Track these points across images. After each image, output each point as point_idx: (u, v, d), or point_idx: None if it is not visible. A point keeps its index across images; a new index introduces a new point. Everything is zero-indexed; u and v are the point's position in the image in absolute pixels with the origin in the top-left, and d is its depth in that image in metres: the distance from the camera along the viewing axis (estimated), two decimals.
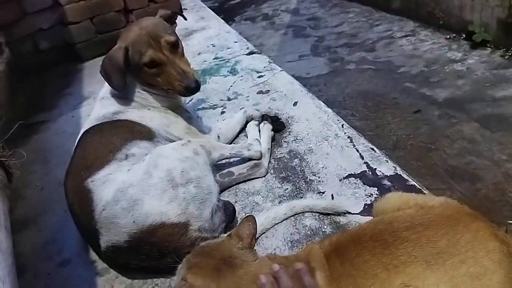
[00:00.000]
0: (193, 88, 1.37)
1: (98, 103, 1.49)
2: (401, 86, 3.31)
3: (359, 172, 1.36)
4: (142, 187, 1.12)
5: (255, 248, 0.86)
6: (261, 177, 1.44)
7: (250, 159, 1.45)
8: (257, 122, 1.64)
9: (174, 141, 1.44)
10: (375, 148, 1.46)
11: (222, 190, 1.43)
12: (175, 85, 1.38)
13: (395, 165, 1.37)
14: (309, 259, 0.81)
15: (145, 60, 1.35)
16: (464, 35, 3.65)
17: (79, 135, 1.40)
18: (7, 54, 2.76)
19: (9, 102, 2.46)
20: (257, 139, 1.51)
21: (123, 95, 1.46)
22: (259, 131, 1.60)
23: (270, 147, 1.54)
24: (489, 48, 3.43)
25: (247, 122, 1.68)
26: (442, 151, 2.53)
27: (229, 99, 2.01)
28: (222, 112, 1.90)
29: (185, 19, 1.71)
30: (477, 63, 3.33)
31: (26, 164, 1.89)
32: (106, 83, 1.50)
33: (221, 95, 2.07)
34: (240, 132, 1.67)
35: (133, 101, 1.46)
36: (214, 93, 2.11)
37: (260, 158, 1.44)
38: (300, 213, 1.25)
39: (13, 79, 2.71)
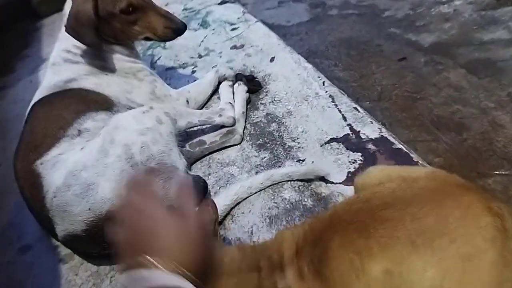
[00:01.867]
0: (182, 29, 1.32)
1: (49, 70, 1.32)
2: (386, 32, 3.14)
3: (341, 135, 1.25)
4: (97, 168, 0.99)
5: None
6: (236, 145, 1.33)
7: (222, 126, 1.32)
8: (230, 83, 1.50)
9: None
10: (358, 108, 1.34)
11: (193, 161, 1.32)
12: (160, 30, 1.29)
13: (380, 127, 1.26)
14: (281, 250, 0.71)
15: (122, 6, 1.20)
16: None
17: (28, 108, 1.24)
18: None
19: None
20: (230, 102, 1.37)
21: (77, 59, 1.28)
22: (233, 92, 1.46)
23: (245, 110, 1.41)
24: None
25: (219, 83, 1.53)
26: (428, 101, 2.42)
27: (200, 56, 1.83)
28: (193, 72, 1.74)
29: None
30: (464, 4, 3.16)
31: None
32: (56, 46, 1.32)
33: (191, 51, 1.89)
34: (212, 94, 1.52)
35: (88, 65, 1.29)
36: (183, 49, 1.92)
37: (233, 125, 1.31)
38: (279, 182, 1.15)
39: None
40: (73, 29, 1.22)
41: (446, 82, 2.56)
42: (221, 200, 1.12)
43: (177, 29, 1.30)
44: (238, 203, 1.14)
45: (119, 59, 1.33)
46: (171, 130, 1.13)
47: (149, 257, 0.43)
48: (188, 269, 0.44)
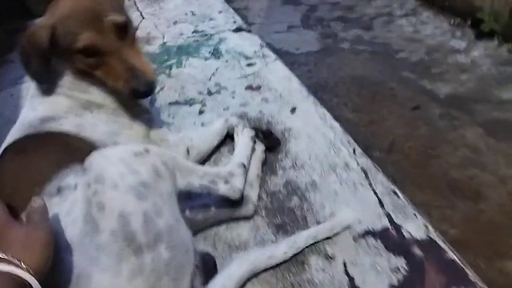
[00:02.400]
0: (143, 92, 0.98)
1: (27, 102, 1.06)
2: (399, 75, 2.99)
3: (379, 228, 1.03)
4: (87, 251, 0.73)
5: None
6: (248, 217, 1.09)
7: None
8: (253, 133, 1.26)
9: None
10: (397, 192, 1.13)
11: (194, 232, 1.07)
12: (119, 85, 0.98)
13: (426, 223, 1.04)
14: None
15: (78, 46, 0.94)
16: (470, 22, 3.32)
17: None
18: None
19: None
20: (244, 165, 1.11)
21: (53, 90, 1.04)
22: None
23: (260, 173, 1.18)
24: (496, 40, 3.14)
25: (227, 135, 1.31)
26: (443, 160, 2.25)
27: (210, 93, 1.60)
28: (201, 112, 1.50)
29: None
30: (482, 57, 3.04)
31: None
32: None
33: (200, 85, 1.65)
34: (217, 147, 1.30)
35: (69, 99, 1.04)
36: (191, 81, 1.69)
37: (237, 199, 1.06)
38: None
39: None
40: (21, 54, 1.00)
41: (462, 141, 2.39)
42: (234, 269, 0.91)
43: (134, 90, 0.97)
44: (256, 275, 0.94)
45: (106, 91, 1.07)
46: (171, 190, 0.86)
47: None
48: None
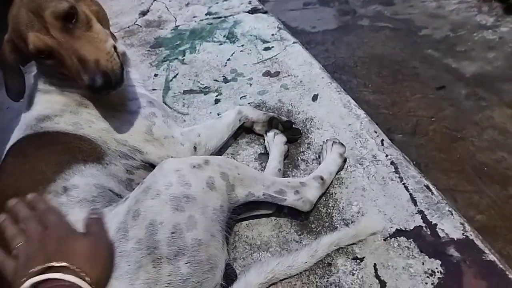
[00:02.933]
0: (98, 87, 0.83)
1: (25, 102, 1.02)
2: (423, 53, 2.85)
3: (411, 227, 0.96)
4: None
5: None
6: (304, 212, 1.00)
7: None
8: (285, 139, 1.18)
9: (130, 156, 0.99)
10: (431, 186, 1.05)
11: None
12: (80, 82, 0.88)
13: (463, 221, 0.96)
14: None
15: (31, 50, 0.86)
16: None
17: (4, 154, 0.95)
18: None
19: None
20: (321, 177, 1.01)
21: (47, 87, 0.99)
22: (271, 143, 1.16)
23: (282, 167, 1.11)
24: None
25: (246, 128, 1.24)
26: (470, 142, 2.15)
27: (225, 81, 1.52)
28: (216, 101, 1.43)
29: None
30: (511, 32, 2.87)
31: None
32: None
33: (215, 72, 1.57)
34: (232, 140, 1.22)
35: (62, 95, 0.98)
36: (205, 67, 1.61)
37: (308, 210, 0.98)
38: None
39: None
40: (2, 73, 0.96)
41: (489, 122, 2.28)
42: (253, 278, 0.86)
43: (89, 86, 0.84)
44: (274, 283, 0.89)
45: None
46: (222, 204, 0.83)
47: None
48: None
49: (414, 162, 2.11)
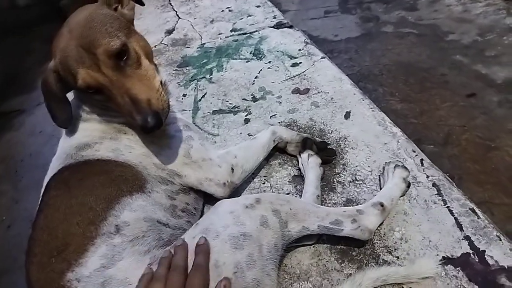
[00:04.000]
0: (149, 127, 0.83)
1: (64, 131, 1.03)
2: (450, 59, 2.77)
3: (459, 255, 0.91)
4: None
5: None
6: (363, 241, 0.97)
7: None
8: (320, 161, 1.16)
9: (169, 180, 0.98)
10: (476, 209, 1.00)
11: None
12: (129, 120, 0.88)
13: None
14: None
15: (80, 85, 0.86)
16: None
17: (44, 184, 0.95)
18: None
19: None
20: (381, 203, 0.97)
21: (85, 117, 1.00)
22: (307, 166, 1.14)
23: (320, 193, 1.09)
24: None
25: (279, 149, 1.22)
26: (504, 152, 2.06)
27: (254, 99, 1.50)
28: (246, 121, 1.41)
29: (142, 4, 1.04)
30: None
31: None
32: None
33: (243, 90, 1.56)
34: (264, 161, 1.21)
35: (101, 123, 0.99)
36: (233, 86, 1.60)
37: (367, 239, 0.94)
38: None
39: None
40: (45, 102, 0.95)
41: None
42: None
43: (142, 127, 0.84)
44: None
45: None
46: (276, 242, 0.82)
47: None
48: None
49: (448, 174, 2.05)
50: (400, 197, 1.03)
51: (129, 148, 0.97)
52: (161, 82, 0.91)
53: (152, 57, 0.96)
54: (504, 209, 1.78)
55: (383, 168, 1.11)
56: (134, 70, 0.87)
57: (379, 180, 1.10)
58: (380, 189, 1.06)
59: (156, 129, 0.84)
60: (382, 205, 0.96)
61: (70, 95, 1.01)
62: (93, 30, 0.84)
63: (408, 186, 1.05)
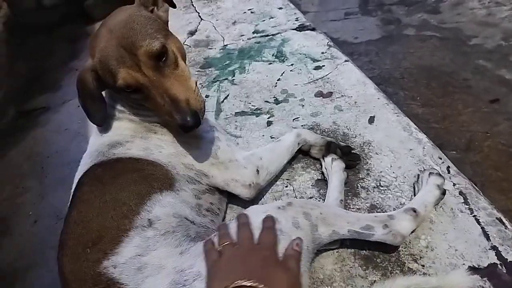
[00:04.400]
0: (189, 127, 0.87)
1: (94, 129, 1.06)
2: (474, 63, 2.72)
3: (485, 265, 0.90)
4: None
5: None
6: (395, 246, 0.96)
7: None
8: (344, 165, 1.16)
9: (197, 180, 1.00)
10: (503, 219, 0.98)
11: None
12: (167, 119, 0.91)
13: None
14: None
15: (119, 85, 0.88)
16: None
17: (75, 181, 0.97)
18: (5, 11, 2.28)
19: (8, 71, 2.02)
20: (414, 210, 0.96)
21: (116, 116, 1.03)
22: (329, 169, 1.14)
23: (343, 198, 1.08)
24: None
25: (303, 152, 1.22)
26: None
27: (277, 102, 1.51)
28: (269, 124, 1.42)
29: (174, 6, 1.07)
30: None
31: (18, 177, 1.49)
32: None
33: (265, 93, 1.57)
34: (287, 164, 1.20)
35: (132, 122, 1.02)
36: (256, 88, 1.60)
37: (399, 244, 0.94)
38: None
39: (12, 43, 2.25)
40: (80, 100, 0.98)
41: None
42: None
43: (181, 126, 0.87)
44: None
45: None
46: (308, 244, 0.83)
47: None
48: None
49: (470, 181, 2.02)
50: (435, 204, 1.02)
51: (159, 147, 1.00)
52: (195, 83, 0.93)
53: (185, 58, 0.98)
54: None
55: (417, 175, 1.09)
56: (172, 71, 0.90)
57: (414, 188, 1.09)
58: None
59: (195, 128, 0.88)
60: (415, 210, 0.95)
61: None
62: (134, 31, 0.87)
63: (444, 193, 1.03)
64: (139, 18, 0.90)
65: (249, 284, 0.60)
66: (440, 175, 1.04)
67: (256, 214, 0.82)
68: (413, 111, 2.46)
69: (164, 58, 0.89)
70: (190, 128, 0.87)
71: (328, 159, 1.17)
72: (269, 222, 0.78)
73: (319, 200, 1.12)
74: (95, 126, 1.04)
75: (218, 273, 0.68)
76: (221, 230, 0.78)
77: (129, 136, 1.00)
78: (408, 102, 2.51)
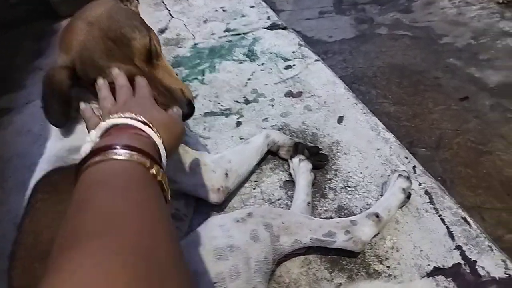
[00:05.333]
0: (187, 114, 0.86)
1: (53, 132, 0.99)
2: (444, 62, 2.78)
3: (450, 265, 0.90)
4: None
5: None
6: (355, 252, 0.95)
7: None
8: (311, 166, 1.14)
9: None
10: (468, 218, 0.99)
11: None
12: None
13: (505, 257, 0.91)
14: None
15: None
16: None
17: (30, 186, 0.92)
18: None
19: None
20: (376, 215, 0.94)
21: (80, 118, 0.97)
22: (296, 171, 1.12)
23: (311, 201, 1.07)
24: None
25: (272, 152, 1.20)
26: (496, 156, 2.07)
27: (247, 102, 1.48)
28: (238, 124, 1.39)
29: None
30: None
31: None
32: None
33: (236, 93, 1.54)
34: (256, 166, 1.18)
35: None
36: (226, 88, 1.57)
37: (360, 250, 0.93)
38: None
39: None
40: (42, 98, 0.90)
41: None
42: None
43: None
44: None
45: None
46: (266, 255, 0.80)
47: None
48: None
49: (439, 178, 2.04)
50: (400, 207, 1.01)
51: None
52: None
53: None
54: (495, 214, 1.78)
55: (388, 176, 1.09)
56: (158, 63, 0.88)
57: (382, 188, 1.08)
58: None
59: (191, 116, 0.87)
60: (377, 215, 0.94)
61: None
62: (122, 23, 0.82)
63: (409, 197, 1.02)
64: (123, 11, 0.86)
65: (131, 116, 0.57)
66: (408, 178, 1.03)
67: (212, 228, 0.79)
68: (385, 109, 2.48)
69: (152, 53, 0.86)
70: (187, 117, 0.86)
71: (296, 160, 1.15)
72: (142, 81, 0.76)
73: (287, 202, 1.11)
74: (55, 128, 0.98)
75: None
76: (100, 95, 0.75)
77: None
78: (380, 101, 2.53)
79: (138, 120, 0.56)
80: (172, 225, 0.43)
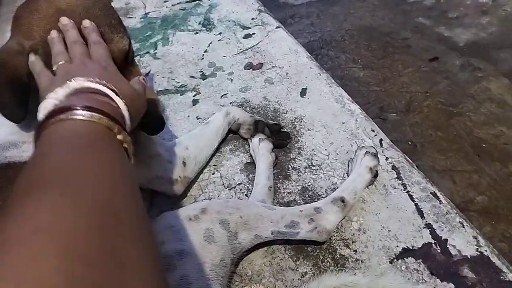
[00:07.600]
0: (156, 130, 0.77)
1: None
2: (413, 22, 2.72)
3: (420, 245, 0.85)
4: None
5: None
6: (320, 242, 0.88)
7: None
8: (271, 146, 1.06)
9: None
10: (438, 193, 0.94)
11: None
12: None
13: (476, 233, 0.86)
14: None
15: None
16: None
17: None
18: None
19: None
20: (342, 199, 0.87)
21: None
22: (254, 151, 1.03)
23: (272, 185, 0.99)
24: None
25: (232, 131, 1.11)
26: (466, 117, 2.05)
27: (203, 77, 1.37)
28: (195, 102, 1.28)
29: None
30: None
31: None
32: None
33: (191, 67, 1.42)
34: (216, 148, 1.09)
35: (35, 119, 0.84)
36: (180, 62, 1.45)
37: (325, 240, 0.86)
38: None
39: None
40: None
41: (486, 95, 2.19)
42: None
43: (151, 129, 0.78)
44: None
45: None
46: (223, 257, 0.72)
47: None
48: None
49: (410, 143, 2.00)
50: (366, 187, 0.95)
51: None
52: None
53: None
54: (466, 176, 1.77)
55: (355, 152, 1.01)
56: (132, 69, 0.80)
57: (348, 166, 1.01)
58: (348, 176, 0.97)
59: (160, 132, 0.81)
60: (343, 200, 0.87)
61: None
62: (99, 20, 0.72)
63: (376, 176, 0.95)
64: (100, 3, 0.75)
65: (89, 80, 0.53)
66: (375, 155, 0.95)
67: (161, 231, 0.70)
68: (354, 74, 2.42)
69: (127, 56, 0.79)
70: (159, 130, 0.79)
71: (255, 139, 1.06)
72: (94, 36, 0.67)
73: (248, 187, 1.02)
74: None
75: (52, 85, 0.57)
76: (53, 49, 0.67)
77: (28, 135, 0.82)
78: (349, 65, 2.46)
79: (109, 88, 0.52)
80: (138, 191, 0.41)
